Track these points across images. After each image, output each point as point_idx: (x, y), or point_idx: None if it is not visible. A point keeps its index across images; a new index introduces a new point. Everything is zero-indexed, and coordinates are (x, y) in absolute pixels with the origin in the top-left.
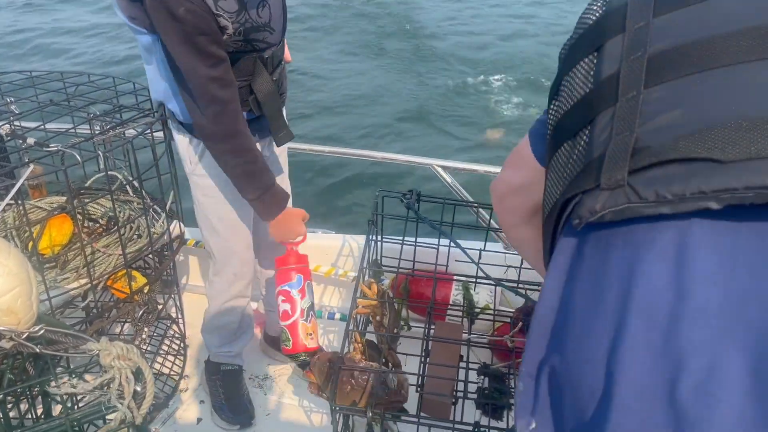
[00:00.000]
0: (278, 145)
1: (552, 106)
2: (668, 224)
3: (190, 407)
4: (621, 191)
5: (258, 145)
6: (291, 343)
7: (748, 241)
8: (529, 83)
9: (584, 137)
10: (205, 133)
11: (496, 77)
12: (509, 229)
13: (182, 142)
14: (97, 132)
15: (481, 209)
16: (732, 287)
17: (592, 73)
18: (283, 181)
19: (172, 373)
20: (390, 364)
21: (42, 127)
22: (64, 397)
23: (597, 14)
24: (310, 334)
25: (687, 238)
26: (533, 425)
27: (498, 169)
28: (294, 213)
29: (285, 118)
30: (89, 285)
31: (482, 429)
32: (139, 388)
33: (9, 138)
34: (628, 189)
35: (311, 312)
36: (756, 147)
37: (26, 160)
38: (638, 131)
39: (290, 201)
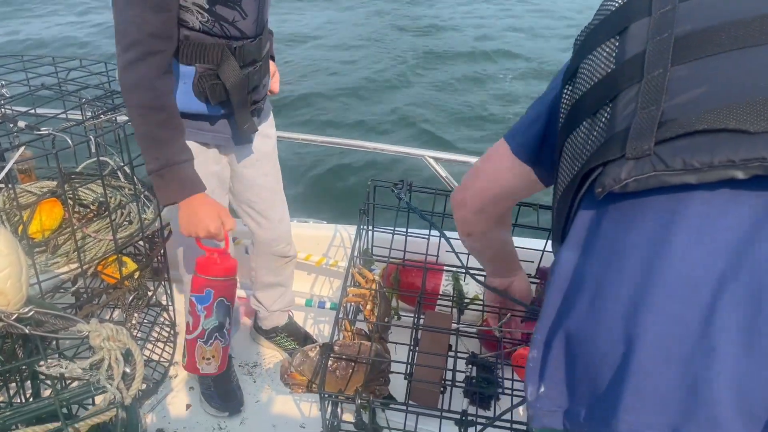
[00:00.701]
0: (242, 137)
1: (567, 90)
2: (692, 195)
3: (179, 394)
4: (647, 160)
5: (224, 159)
6: (185, 360)
7: (763, 211)
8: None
9: (606, 113)
10: (120, 81)
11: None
12: (480, 237)
13: None
14: (88, 117)
15: None
16: (755, 257)
17: (614, 54)
18: (275, 195)
19: (161, 359)
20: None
21: (33, 111)
22: (54, 378)
23: (619, 2)
24: (208, 359)
25: (711, 209)
26: (542, 389)
27: None
28: (211, 204)
29: (254, 121)
30: (79, 270)
31: (469, 417)
32: (128, 370)
33: (1, 121)
34: (654, 158)
35: (216, 334)
36: None
37: (17, 144)
38: (665, 106)
39: (278, 202)
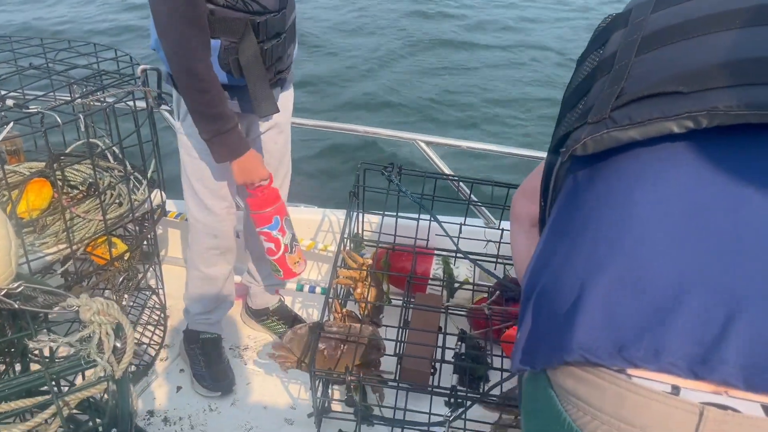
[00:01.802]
0: (260, 116)
1: (564, 96)
2: (645, 150)
3: (169, 376)
4: (603, 122)
5: (242, 122)
6: (282, 272)
7: (707, 162)
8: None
9: (582, 102)
10: (171, 69)
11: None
12: (515, 236)
13: (173, 94)
14: (77, 96)
15: (462, 184)
16: (697, 198)
17: (597, 59)
18: (281, 166)
19: (152, 342)
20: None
21: (20, 91)
22: (44, 352)
23: (605, 23)
24: (297, 262)
25: (660, 164)
26: (519, 335)
27: (483, 146)
28: (256, 157)
29: (275, 95)
30: (68, 250)
31: (459, 392)
32: (119, 344)
33: None
34: (608, 120)
35: (295, 243)
36: (712, 81)
37: (4, 122)
38: (624, 84)
39: (282, 173)
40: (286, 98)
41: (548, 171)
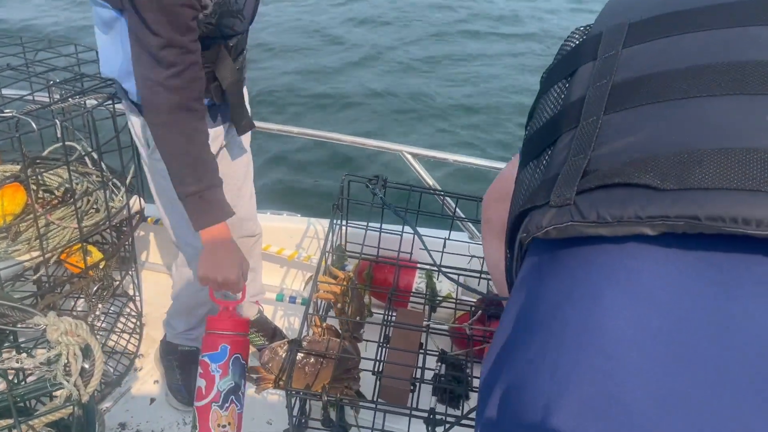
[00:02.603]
0: (239, 134)
1: (527, 129)
2: (615, 247)
3: (143, 386)
4: (567, 209)
5: (219, 129)
6: (197, 431)
7: (687, 268)
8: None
9: (546, 157)
10: (158, 104)
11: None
12: (486, 234)
13: (137, 124)
14: (56, 99)
15: (447, 198)
16: (677, 316)
17: (562, 96)
18: (247, 176)
19: (126, 351)
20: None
21: None
22: (9, 372)
23: (576, 41)
24: (224, 426)
25: (632, 263)
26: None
27: (468, 159)
28: (234, 249)
29: (247, 105)
30: (41, 258)
31: (438, 416)
32: (87, 366)
33: None
34: (573, 208)
35: (232, 397)
36: (691, 178)
37: None
38: (592, 154)
39: (250, 179)
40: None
41: (511, 235)
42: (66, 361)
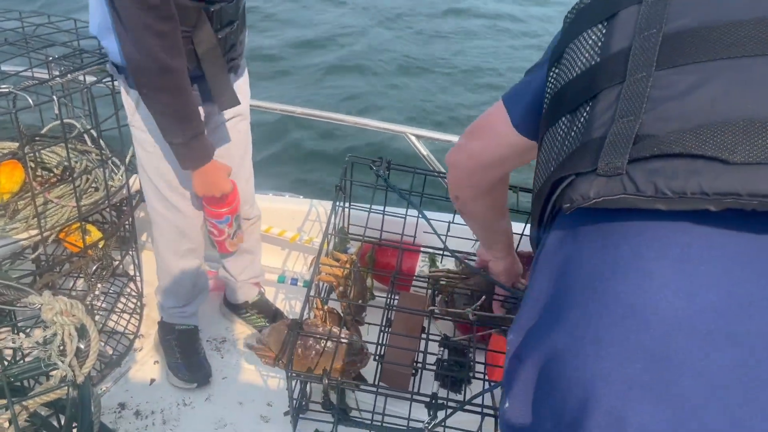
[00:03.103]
0: (220, 110)
1: (552, 73)
2: (669, 221)
3: (143, 367)
4: (618, 180)
5: (202, 110)
6: (217, 248)
7: (746, 247)
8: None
9: (584, 113)
10: (138, 66)
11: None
12: (467, 202)
13: (122, 89)
14: (54, 75)
15: None
16: (733, 293)
17: (600, 44)
18: (244, 159)
19: (126, 331)
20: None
21: None
22: (4, 352)
23: None
24: (234, 245)
25: (686, 238)
26: (506, 405)
27: None
28: (219, 166)
29: (244, 86)
30: (39, 236)
31: (440, 401)
32: (82, 346)
33: None
34: (626, 178)
35: (237, 230)
36: (766, 152)
37: None
38: (644, 117)
39: (248, 161)
40: (242, 84)
41: (545, 200)
42: (61, 341)
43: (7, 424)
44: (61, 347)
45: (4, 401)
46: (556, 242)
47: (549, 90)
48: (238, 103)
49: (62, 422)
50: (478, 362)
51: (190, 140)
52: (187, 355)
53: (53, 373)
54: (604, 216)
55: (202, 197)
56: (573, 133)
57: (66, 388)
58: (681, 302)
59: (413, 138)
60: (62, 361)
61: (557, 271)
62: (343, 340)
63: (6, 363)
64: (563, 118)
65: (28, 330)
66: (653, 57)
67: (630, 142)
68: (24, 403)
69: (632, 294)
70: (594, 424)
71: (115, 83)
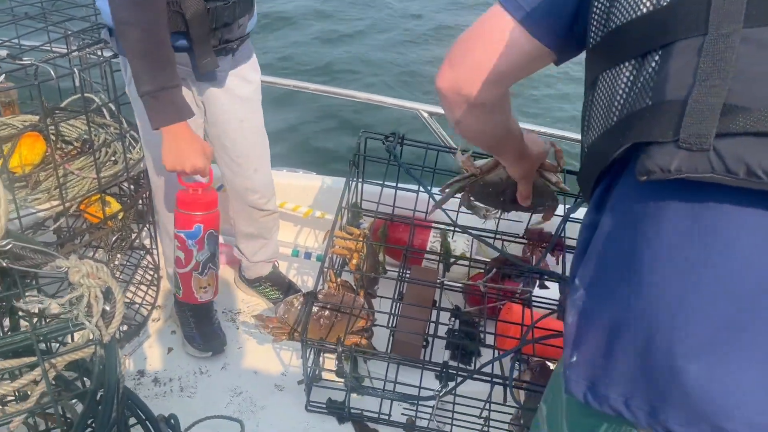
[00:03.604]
0: (201, 72)
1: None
2: (756, 201)
3: (161, 337)
4: (704, 156)
5: (190, 94)
6: (181, 292)
7: None
8: None
9: (654, 62)
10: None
11: None
12: (471, 125)
13: (120, 60)
14: (73, 49)
15: None
16: None
17: None
18: (255, 148)
19: (144, 303)
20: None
21: (16, 41)
22: (32, 314)
23: None
24: (204, 288)
25: None
26: (574, 358)
27: None
28: (195, 139)
29: (253, 65)
30: (61, 207)
31: (450, 370)
32: (108, 308)
33: None
34: (713, 155)
35: (210, 264)
36: None
37: None
38: (732, 84)
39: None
40: (246, 71)
41: (598, 160)
42: (87, 302)
43: (33, 387)
44: (87, 309)
45: (33, 359)
46: (621, 204)
47: (597, 18)
48: (216, 65)
49: (86, 385)
50: (489, 332)
51: (159, 90)
52: (201, 326)
53: (78, 334)
54: (683, 187)
55: (176, 192)
56: (640, 84)
57: (93, 347)
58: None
59: (426, 115)
60: (89, 321)
61: (623, 234)
62: (356, 309)
63: (35, 324)
64: (627, 63)
65: (54, 295)
66: (741, 9)
67: (717, 113)
68: (53, 360)
69: (718, 266)
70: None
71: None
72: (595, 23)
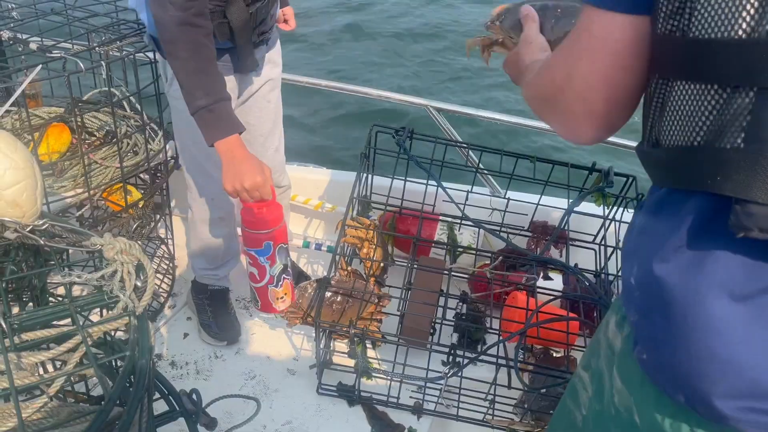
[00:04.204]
0: (243, 73)
1: None
2: None
3: (177, 323)
4: None
5: (234, 78)
6: (259, 304)
7: None
8: None
9: (747, 99)
10: (159, 20)
11: None
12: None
13: (159, 59)
14: (98, 43)
15: (471, 152)
16: None
17: None
18: (274, 130)
19: (160, 290)
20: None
21: (40, 37)
22: (67, 286)
23: None
24: (281, 298)
25: None
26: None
27: (493, 115)
28: (251, 156)
29: (276, 56)
30: (86, 194)
31: (458, 352)
32: (139, 283)
33: (11, 42)
34: None
35: (283, 275)
36: None
37: (26, 65)
38: None
39: (278, 130)
40: (274, 55)
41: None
42: (120, 278)
43: (69, 356)
44: (121, 283)
45: (72, 327)
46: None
47: (680, 18)
48: (257, 65)
49: (114, 363)
50: (495, 317)
51: (214, 103)
52: (218, 315)
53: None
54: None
55: (240, 210)
56: (729, 116)
57: (128, 317)
58: None
59: (434, 111)
60: (123, 294)
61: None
62: (367, 294)
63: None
64: (711, 86)
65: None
66: None
67: None
68: (89, 330)
69: None
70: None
71: (156, 55)
72: (664, 7)
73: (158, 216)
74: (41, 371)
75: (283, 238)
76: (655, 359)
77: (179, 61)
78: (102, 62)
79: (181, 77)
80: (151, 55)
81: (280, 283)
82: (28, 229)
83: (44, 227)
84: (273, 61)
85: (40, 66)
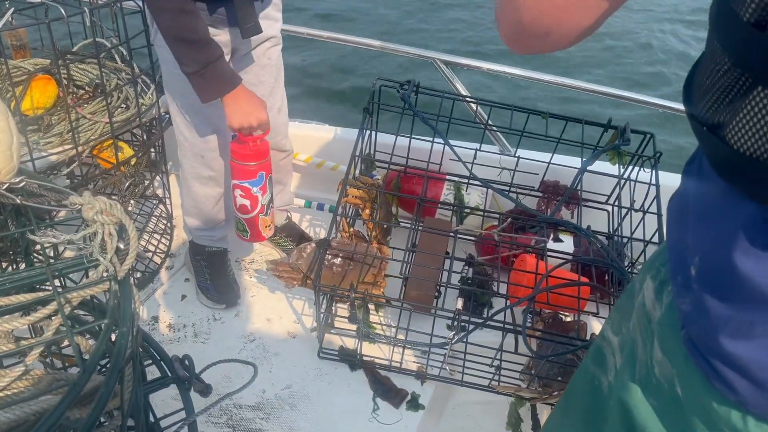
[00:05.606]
0: (243, 37)
1: None
2: None
3: (174, 285)
4: None
5: (224, 33)
6: (249, 234)
7: None
8: None
9: None
10: None
11: None
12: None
13: (147, 10)
14: None
15: (479, 107)
16: None
17: None
18: (275, 89)
19: (157, 251)
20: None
21: None
22: (46, 249)
23: None
24: (268, 225)
25: None
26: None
27: (504, 68)
28: (253, 95)
29: (276, 12)
30: (73, 151)
31: (463, 316)
32: (122, 245)
33: None
34: None
35: (271, 204)
36: None
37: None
38: None
39: (280, 89)
40: (272, 11)
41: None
42: (101, 240)
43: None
44: (102, 245)
45: (48, 292)
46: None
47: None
48: (260, 31)
49: (100, 327)
50: (503, 281)
51: (203, 68)
52: (216, 277)
53: (92, 273)
54: None
55: (231, 144)
56: None
57: (107, 282)
58: None
59: (442, 64)
60: (103, 257)
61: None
62: (369, 257)
63: (49, 258)
64: None
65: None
66: None
67: None
68: (68, 296)
69: None
70: None
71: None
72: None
73: (153, 174)
74: (27, 338)
75: (271, 170)
76: (713, 362)
77: (163, 28)
78: (85, 8)
79: (168, 43)
80: (140, 2)
81: (268, 212)
82: (4, 188)
83: (21, 185)
84: (272, 17)
85: (13, 9)
